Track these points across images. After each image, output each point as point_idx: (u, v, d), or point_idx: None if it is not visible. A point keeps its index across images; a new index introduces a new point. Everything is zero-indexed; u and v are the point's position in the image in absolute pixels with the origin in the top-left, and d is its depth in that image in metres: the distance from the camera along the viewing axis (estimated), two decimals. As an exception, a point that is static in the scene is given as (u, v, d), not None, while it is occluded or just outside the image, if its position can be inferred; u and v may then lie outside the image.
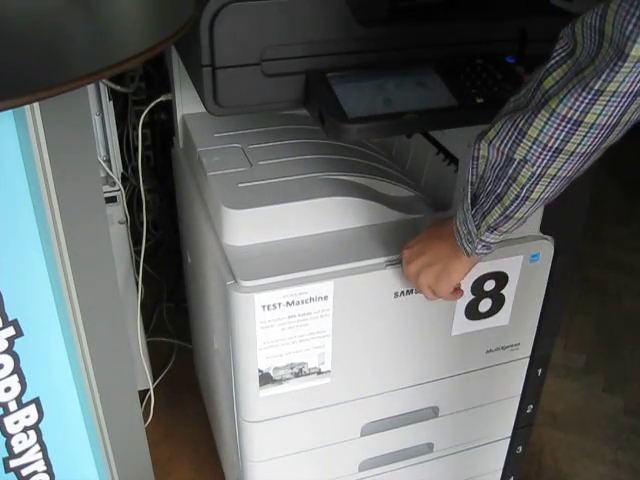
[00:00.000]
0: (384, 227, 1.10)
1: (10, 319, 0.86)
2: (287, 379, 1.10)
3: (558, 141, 0.73)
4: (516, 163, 0.77)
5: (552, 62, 0.72)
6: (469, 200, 0.86)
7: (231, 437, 1.25)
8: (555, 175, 0.77)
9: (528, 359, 1.27)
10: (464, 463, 1.39)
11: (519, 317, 1.19)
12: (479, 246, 0.89)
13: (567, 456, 1.65)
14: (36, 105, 0.79)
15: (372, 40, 0.94)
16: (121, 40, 0.84)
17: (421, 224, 1.11)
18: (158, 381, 1.71)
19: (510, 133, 0.77)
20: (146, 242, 1.52)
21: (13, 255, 0.85)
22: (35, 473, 0.99)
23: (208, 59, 0.89)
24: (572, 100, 0.70)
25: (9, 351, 0.88)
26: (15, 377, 0.90)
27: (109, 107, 1.34)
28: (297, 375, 1.11)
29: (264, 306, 1.01)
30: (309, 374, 1.11)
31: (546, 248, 1.13)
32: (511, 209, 0.82)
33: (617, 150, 0.80)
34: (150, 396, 1.54)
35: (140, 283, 1.46)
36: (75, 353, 0.96)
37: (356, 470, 1.29)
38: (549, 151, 0.74)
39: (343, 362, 1.12)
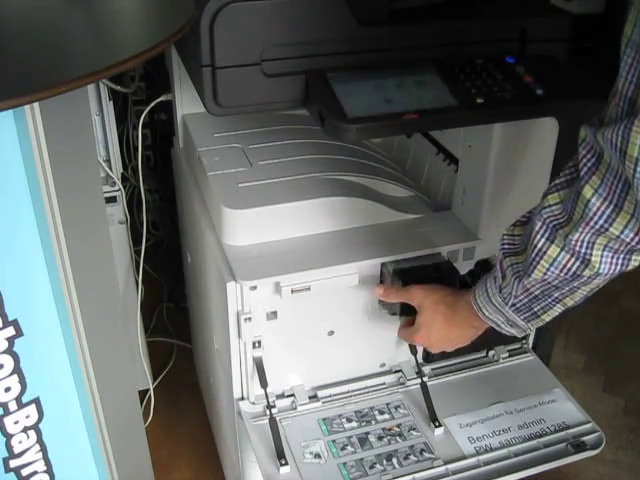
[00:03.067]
0: (384, 227, 1.10)
1: (10, 319, 0.86)
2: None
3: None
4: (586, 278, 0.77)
5: (585, 169, 0.69)
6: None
7: (231, 437, 1.25)
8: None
9: (528, 359, 1.26)
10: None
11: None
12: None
13: (567, 456, 1.65)
14: (36, 105, 0.79)
15: (372, 40, 0.94)
16: (121, 40, 0.84)
17: (421, 224, 1.11)
18: (158, 381, 1.71)
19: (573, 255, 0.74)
20: (146, 242, 1.52)
21: (13, 255, 0.85)
22: (35, 473, 0.99)
23: (208, 59, 0.89)
24: None
25: (9, 351, 0.88)
26: (15, 377, 0.90)
27: (109, 107, 1.34)
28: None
29: (264, 306, 1.01)
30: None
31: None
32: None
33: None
34: (150, 396, 1.54)
35: (140, 283, 1.46)
36: (75, 353, 0.95)
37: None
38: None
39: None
